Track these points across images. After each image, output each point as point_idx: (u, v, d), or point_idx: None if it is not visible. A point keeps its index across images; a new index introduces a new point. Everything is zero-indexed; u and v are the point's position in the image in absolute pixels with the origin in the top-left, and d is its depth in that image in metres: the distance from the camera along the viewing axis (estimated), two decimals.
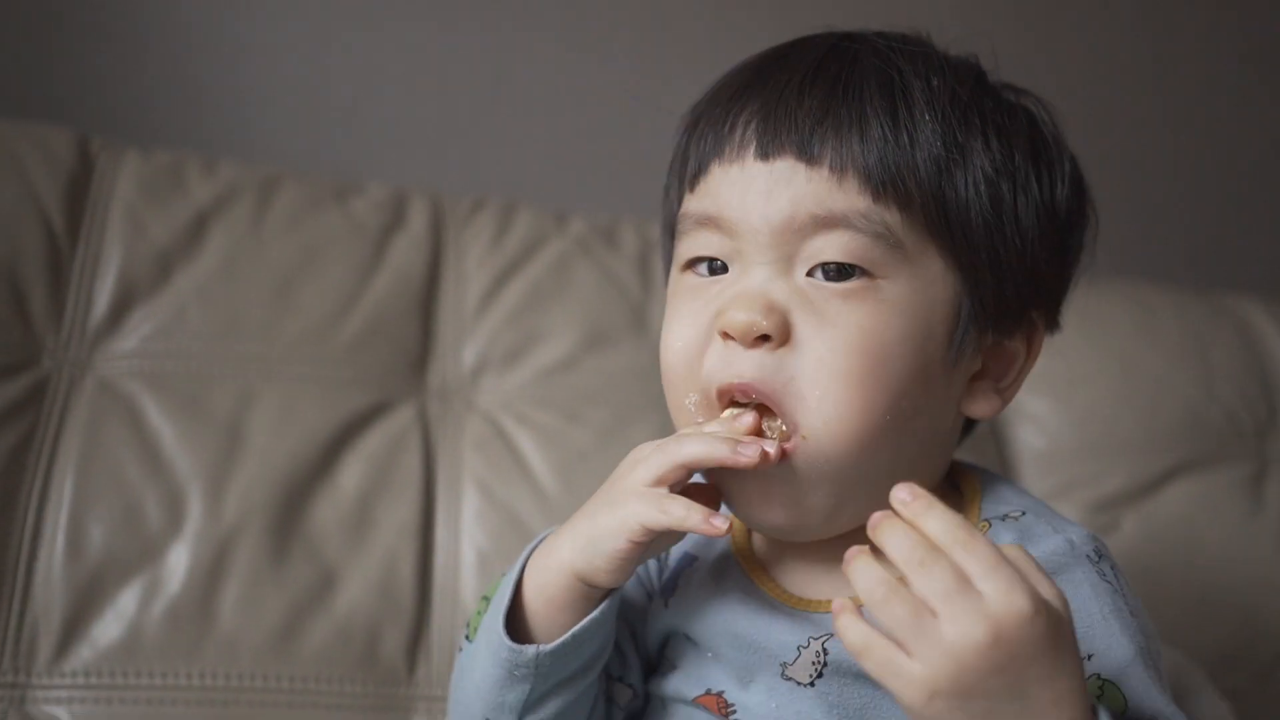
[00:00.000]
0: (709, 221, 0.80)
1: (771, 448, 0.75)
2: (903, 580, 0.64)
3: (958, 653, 0.61)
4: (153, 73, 1.60)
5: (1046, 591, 0.64)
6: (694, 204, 0.82)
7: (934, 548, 0.63)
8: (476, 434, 1.25)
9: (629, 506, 0.77)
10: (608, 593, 0.81)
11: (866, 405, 0.76)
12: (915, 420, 0.78)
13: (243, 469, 1.15)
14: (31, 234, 1.19)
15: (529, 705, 0.81)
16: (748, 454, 0.74)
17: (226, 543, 1.12)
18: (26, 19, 1.55)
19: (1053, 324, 0.88)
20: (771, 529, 0.82)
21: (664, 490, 0.77)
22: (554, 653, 0.80)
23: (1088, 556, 0.79)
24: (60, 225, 1.21)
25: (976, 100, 0.81)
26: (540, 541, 0.84)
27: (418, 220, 1.34)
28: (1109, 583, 0.78)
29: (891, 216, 0.77)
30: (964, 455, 0.94)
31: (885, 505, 0.79)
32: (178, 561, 1.11)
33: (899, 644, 0.63)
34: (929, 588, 0.62)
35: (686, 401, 0.81)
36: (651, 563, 0.91)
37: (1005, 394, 0.85)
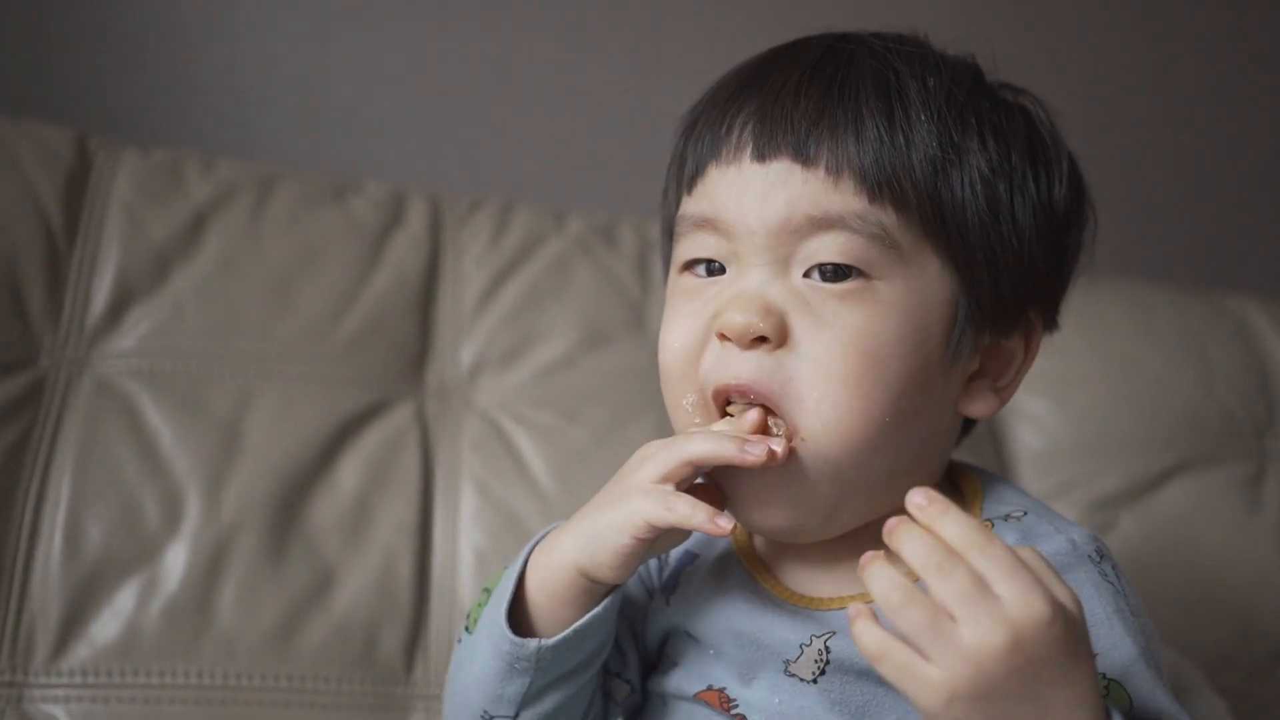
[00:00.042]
0: (706, 223, 0.81)
1: (779, 446, 0.75)
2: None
3: (976, 657, 0.61)
4: (151, 72, 1.60)
5: (1062, 594, 0.64)
6: (691, 206, 0.82)
7: (951, 552, 0.63)
8: (475, 433, 1.25)
9: (634, 503, 0.77)
10: (610, 589, 0.81)
11: (865, 406, 0.76)
12: (914, 420, 0.78)
13: (241, 468, 1.15)
14: (29, 232, 1.19)
15: (528, 699, 0.82)
16: (755, 452, 0.74)
17: (224, 542, 1.12)
18: (25, 18, 1.55)
19: (1051, 323, 0.88)
20: (771, 531, 0.82)
21: (670, 488, 0.77)
22: (555, 647, 0.80)
23: (1089, 557, 0.79)
24: (58, 224, 1.21)
25: (973, 100, 0.81)
26: (544, 536, 0.84)
27: (416, 219, 1.34)
28: (1111, 583, 0.78)
29: (887, 217, 0.77)
30: (962, 455, 0.94)
31: (884, 506, 0.80)
32: (176, 560, 1.11)
33: (916, 649, 0.62)
34: (947, 592, 0.62)
35: (684, 402, 0.81)
36: (652, 561, 0.91)
37: (1003, 393, 0.85)
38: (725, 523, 0.74)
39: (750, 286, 0.78)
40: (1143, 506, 1.36)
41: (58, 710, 1.05)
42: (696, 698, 0.83)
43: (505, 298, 1.32)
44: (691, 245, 0.82)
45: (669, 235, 0.87)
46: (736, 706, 0.81)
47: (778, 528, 0.80)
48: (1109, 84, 1.95)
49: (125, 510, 1.11)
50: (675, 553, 0.90)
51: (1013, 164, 0.81)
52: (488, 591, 0.85)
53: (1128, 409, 1.41)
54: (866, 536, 0.81)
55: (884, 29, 0.85)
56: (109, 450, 1.13)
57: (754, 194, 0.78)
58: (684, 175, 0.84)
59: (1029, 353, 0.86)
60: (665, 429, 0.84)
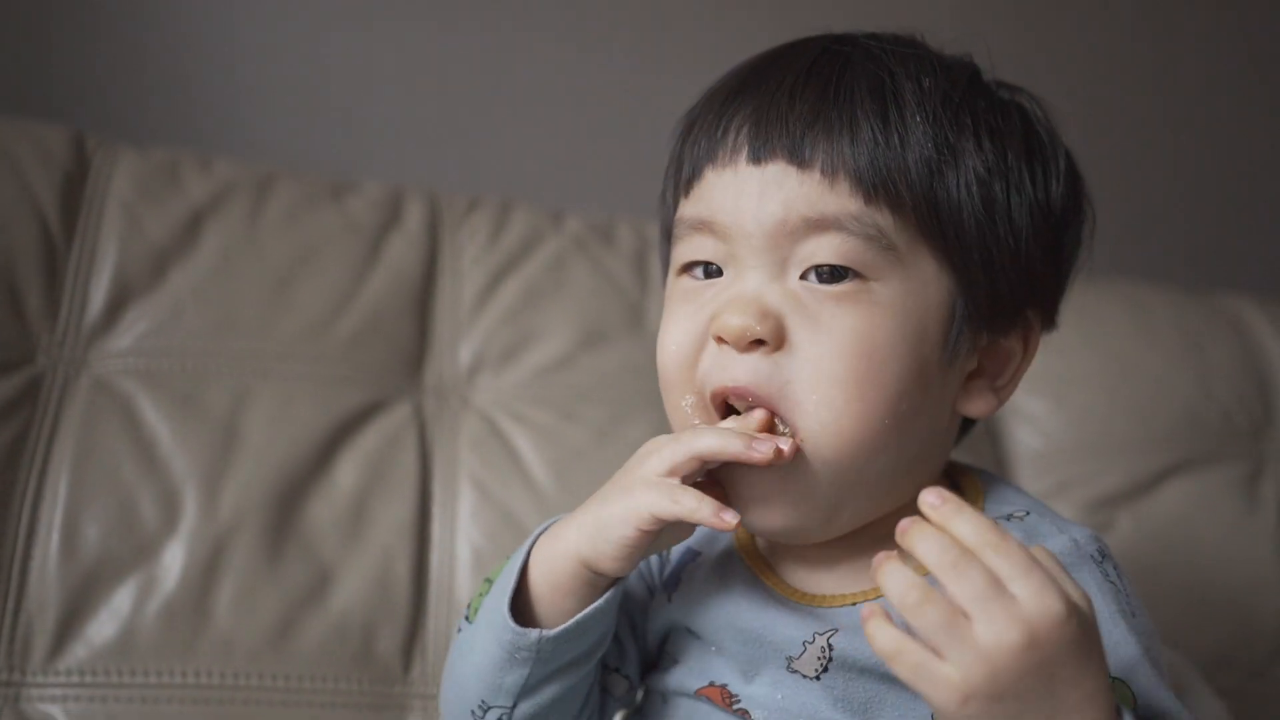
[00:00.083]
0: (703, 226, 0.81)
1: (785, 445, 0.75)
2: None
3: (992, 656, 0.61)
4: (149, 71, 1.60)
5: (1074, 593, 0.64)
6: (688, 209, 0.82)
7: (966, 551, 0.63)
8: (473, 432, 1.25)
9: (640, 495, 0.77)
10: (612, 582, 0.81)
11: (863, 408, 0.76)
12: (913, 421, 0.79)
13: (238, 467, 1.15)
14: (27, 232, 1.19)
15: (526, 689, 0.82)
16: (762, 450, 0.74)
17: (222, 541, 1.12)
18: (23, 16, 1.55)
19: (1049, 322, 0.88)
20: (771, 531, 0.82)
21: (676, 481, 0.77)
22: (556, 638, 0.80)
23: (1092, 557, 0.79)
24: (56, 223, 1.21)
25: (969, 100, 0.81)
26: (547, 527, 0.84)
27: (414, 219, 1.34)
28: (1113, 583, 0.78)
29: (883, 219, 0.77)
30: (960, 455, 0.94)
31: (884, 506, 0.81)
32: (173, 560, 1.11)
33: (931, 648, 0.63)
34: (962, 591, 0.62)
35: (683, 403, 0.81)
36: (653, 558, 0.91)
37: (1002, 393, 0.85)
38: (730, 517, 0.75)
39: (747, 289, 0.78)
40: (1141, 506, 1.36)
41: (55, 710, 1.05)
42: (698, 694, 0.84)
43: (503, 297, 1.32)
44: (689, 248, 0.82)
45: (667, 238, 0.87)
46: (739, 702, 0.81)
47: (778, 527, 0.80)
48: (1108, 84, 1.95)
49: (122, 510, 1.11)
50: (677, 550, 0.90)
51: (1009, 163, 0.81)
52: (489, 582, 0.85)
53: (1126, 409, 1.41)
54: (866, 537, 0.82)
55: (882, 29, 0.85)
56: (106, 450, 1.13)
57: (750, 196, 0.78)
58: (681, 178, 0.84)
59: (1027, 352, 0.86)
60: (663, 428, 0.84)
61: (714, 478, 0.81)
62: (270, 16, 1.64)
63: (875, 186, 0.76)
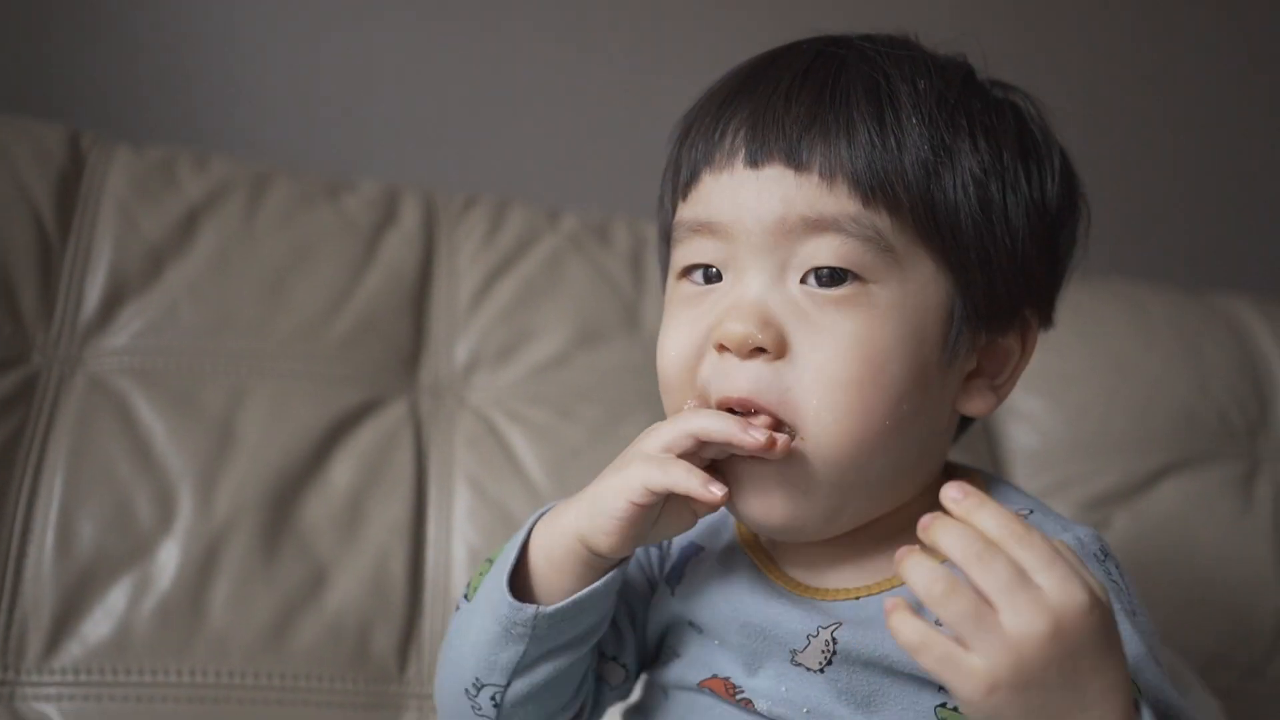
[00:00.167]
0: (703, 228, 0.81)
1: (780, 438, 0.75)
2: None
3: (1019, 645, 0.62)
4: (145, 68, 1.60)
5: (1095, 585, 0.65)
6: (687, 212, 0.82)
7: (990, 543, 0.64)
8: (468, 431, 1.25)
9: (633, 468, 0.77)
10: (611, 566, 0.82)
11: (865, 411, 0.76)
12: (913, 421, 0.79)
13: (234, 466, 1.15)
14: (22, 230, 1.19)
15: (521, 667, 0.82)
16: (755, 435, 0.74)
17: (217, 540, 1.12)
18: (20, 15, 1.55)
19: (1046, 320, 0.88)
20: (772, 528, 0.82)
21: (670, 456, 0.77)
22: (553, 616, 0.80)
23: (1095, 555, 0.79)
24: (51, 221, 1.21)
25: (964, 101, 0.81)
26: (550, 508, 0.84)
27: (410, 217, 1.34)
28: (1115, 581, 0.78)
29: (881, 221, 0.77)
30: (957, 454, 0.94)
31: (885, 505, 0.82)
32: (168, 558, 1.11)
33: (958, 639, 0.63)
34: (988, 582, 0.63)
35: (685, 407, 0.81)
36: (653, 551, 0.92)
37: (1000, 391, 0.85)
38: (717, 489, 0.75)
39: (748, 296, 0.78)
40: (1137, 505, 1.36)
41: (50, 709, 1.05)
42: (700, 686, 0.84)
43: (499, 295, 1.32)
44: (689, 251, 0.82)
45: (666, 241, 0.87)
46: (742, 693, 0.81)
47: (779, 524, 0.80)
48: (1106, 84, 1.95)
49: (118, 508, 1.11)
50: (679, 544, 0.91)
51: (1004, 163, 0.81)
52: (489, 562, 0.86)
53: (1123, 408, 1.41)
54: (867, 535, 0.82)
55: (882, 28, 0.85)
56: (101, 448, 1.13)
57: (749, 196, 0.78)
58: (679, 182, 0.84)
59: (1025, 350, 0.86)
60: None
61: (716, 470, 0.81)
62: (267, 14, 1.64)
63: (873, 189, 0.76)
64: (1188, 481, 1.38)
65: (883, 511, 0.82)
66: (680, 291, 0.83)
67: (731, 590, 0.84)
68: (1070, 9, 1.95)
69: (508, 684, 0.82)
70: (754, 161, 0.78)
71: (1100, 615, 0.63)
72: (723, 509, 0.85)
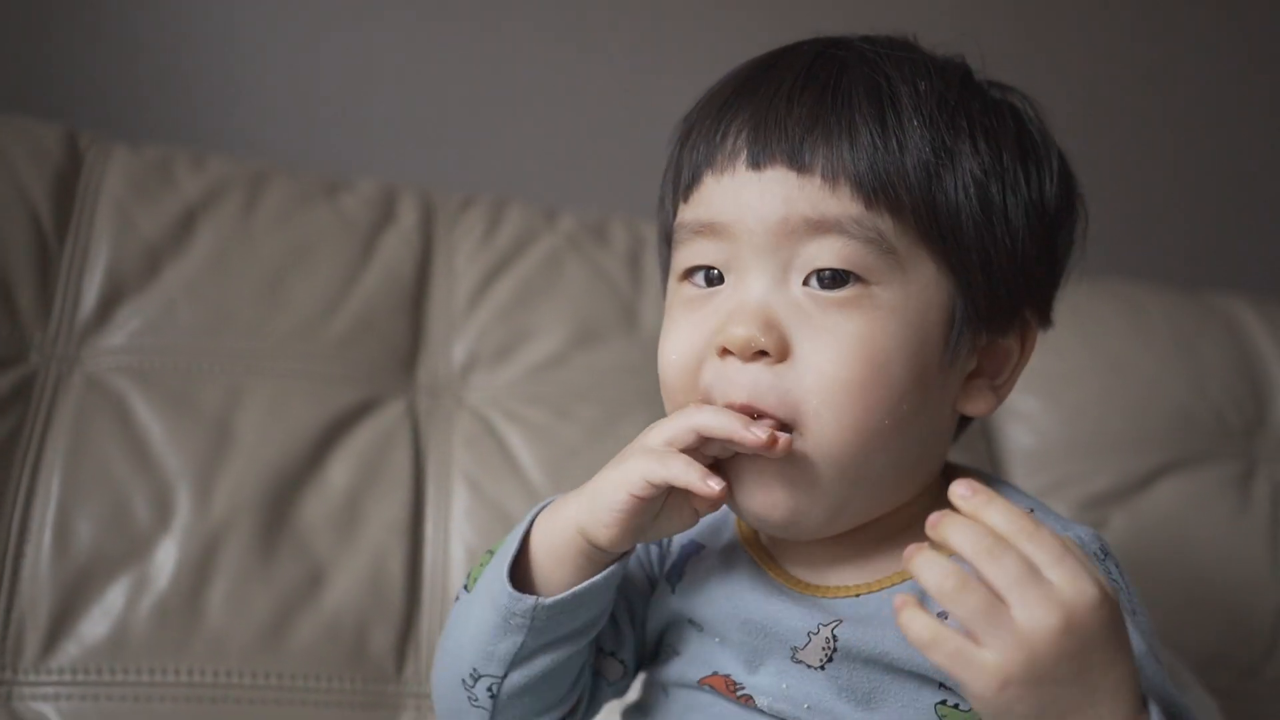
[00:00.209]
0: (705, 229, 0.81)
1: (782, 437, 0.75)
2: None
3: (1031, 640, 0.62)
4: (145, 68, 1.60)
5: (1103, 580, 0.65)
6: (688, 213, 0.82)
7: (1001, 539, 0.64)
8: (466, 430, 1.25)
9: (634, 461, 0.78)
10: (612, 561, 0.82)
11: (867, 411, 0.76)
12: (914, 421, 0.79)
13: (231, 465, 1.15)
14: (19, 229, 1.19)
15: (518, 659, 0.82)
16: (757, 433, 0.75)
17: (215, 539, 1.12)
18: (20, 14, 1.55)
19: (1045, 320, 0.88)
20: (773, 526, 0.82)
21: (671, 450, 0.77)
22: (552, 607, 0.80)
23: (1095, 555, 0.79)
24: (48, 220, 1.21)
25: (963, 103, 0.81)
26: (552, 501, 0.85)
27: (408, 217, 1.34)
28: (1115, 581, 0.79)
29: (884, 223, 0.77)
30: (954, 454, 0.94)
31: (886, 505, 0.82)
32: (166, 558, 1.10)
33: (969, 634, 0.63)
34: (999, 577, 0.63)
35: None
36: (653, 549, 0.92)
37: (1000, 391, 0.86)
38: (715, 484, 0.75)
39: (751, 299, 0.78)
40: (1134, 505, 1.36)
41: (47, 708, 1.05)
42: (701, 684, 0.84)
43: (497, 295, 1.32)
44: (690, 252, 0.82)
45: (666, 243, 0.88)
46: (743, 690, 0.82)
47: (781, 521, 0.80)
48: (1104, 84, 1.95)
49: (115, 508, 1.11)
50: (679, 542, 0.91)
51: (1004, 164, 0.81)
52: (490, 553, 0.86)
53: (1120, 408, 1.41)
54: (867, 535, 0.82)
55: (880, 28, 0.85)
56: (99, 448, 1.13)
57: (751, 196, 0.78)
58: (680, 183, 0.84)
59: (1025, 351, 0.86)
60: None
61: (719, 468, 0.81)
62: (265, 13, 1.64)
63: (875, 190, 0.77)
64: (1185, 481, 1.38)
65: (883, 511, 0.82)
66: (682, 294, 0.83)
67: (732, 587, 0.84)
68: (1068, 8, 1.96)
69: (505, 675, 0.83)
70: (756, 163, 0.78)
71: (1109, 610, 0.64)
72: (724, 507, 0.86)
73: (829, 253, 0.77)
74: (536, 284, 1.33)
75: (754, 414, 0.77)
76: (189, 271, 1.22)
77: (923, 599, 0.66)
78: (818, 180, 0.77)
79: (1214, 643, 1.30)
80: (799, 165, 0.77)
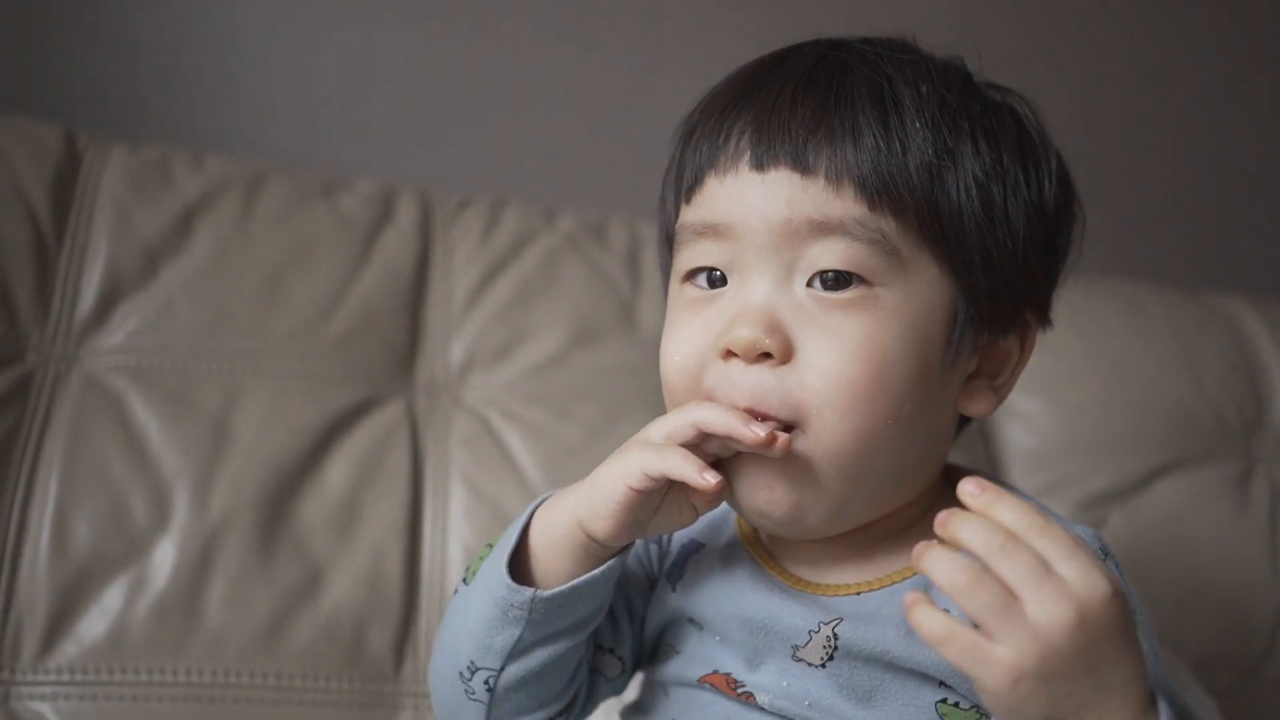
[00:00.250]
0: (708, 230, 0.81)
1: (782, 435, 0.76)
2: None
3: (1045, 635, 0.62)
4: (144, 68, 1.60)
5: (1111, 575, 0.65)
6: (691, 214, 0.82)
7: (1012, 535, 0.64)
8: (464, 430, 1.25)
9: (633, 454, 0.78)
10: (611, 556, 0.82)
11: (870, 412, 0.77)
12: (916, 422, 0.79)
13: (230, 465, 1.15)
14: (17, 228, 1.19)
15: (515, 652, 0.82)
16: (757, 430, 0.75)
17: (213, 539, 1.12)
18: (20, 14, 1.55)
19: (1044, 321, 0.88)
20: (774, 524, 0.82)
21: (671, 444, 0.77)
22: (550, 600, 0.80)
23: (1096, 554, 0.79)
24: (46, 220, 1.21)
25: (965, 104, 0.81)
26: (551, 495, 0.85)
27: (406, 216, 1.34)
28: None
29: (887, 224, 0.77)
30: (953, 454, 0.94)
31: (887, 505, 0.82)
32: (164, 558, 1.10)
33: (983, 629, 0.63)
34: (1012, 573, 0.63)
35: None
36: (653, 548, 0.92)
37: (1000, 391, 0.86)
38: (711, 477, 0.75)
39: (755, 300, 0.78)
40: (1133, 505, 1.36)
41: (45, 708, 1.05)
42: (701, 682, 0.84)
43: (495, 295, 1.32)
44: (693, 254, 0.82)
45: (668, 245, 0.88)
46: (744, 688, 0.82)
47: (783, 518, 0.80)
48: (1104, 84, 1.95)
49: (113, 508, 1.11)
50: (679, 541, 0.91)
51: (1005, 166, 0.81)
52: (490, 546, 0.86)
53: (1119, 407, 1.41)
54: (867, 535, 0.83)
55: (880, 28, 0.85)
56: (97, 447, 1.13)
57: (755, 197, 0.78)
58: (682, 184, 0.84)
59: (1024, 351, 0.86)
60: None
61: (720, 467, 0.81)
62: (264, 13, 1.64)
63: (879, 192, 0.77)
64: (1184, 481, 1.38)
65: (884, 511, 0.83)
66: (684, 295, 0.83)
67: (733, 586, 0.84)
68: (1068, 8, 1.96)
69: (502, 668, 0.83)
70: (759, 165, 0.78)
71: (1120, 606, 0.64)
72: (725, 506, 0.86)
73: (832, 254, 0.77)
74: (535, 284, 1.33)
75: (757, 417, 0.77)
76: (187, 271, 1.22)
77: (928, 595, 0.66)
78: (821, 181, 0.77)
79: (1213, 643, 1.30)
80: (803, 167, 0.77)
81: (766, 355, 0.77)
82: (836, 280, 0.77)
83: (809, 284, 0.78)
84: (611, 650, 0.90)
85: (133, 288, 1.21)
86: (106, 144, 1.29)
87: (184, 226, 1.24)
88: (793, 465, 0.77)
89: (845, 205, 0.77)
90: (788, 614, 0.81)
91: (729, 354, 0.78)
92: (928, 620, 0.64)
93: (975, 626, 0.64)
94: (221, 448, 1.16)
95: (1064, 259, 0.88)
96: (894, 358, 0.77)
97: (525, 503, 1.19)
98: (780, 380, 0.77)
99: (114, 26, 1.59)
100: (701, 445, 0.78)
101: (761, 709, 0.81)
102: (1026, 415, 1.41)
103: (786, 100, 0.79)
